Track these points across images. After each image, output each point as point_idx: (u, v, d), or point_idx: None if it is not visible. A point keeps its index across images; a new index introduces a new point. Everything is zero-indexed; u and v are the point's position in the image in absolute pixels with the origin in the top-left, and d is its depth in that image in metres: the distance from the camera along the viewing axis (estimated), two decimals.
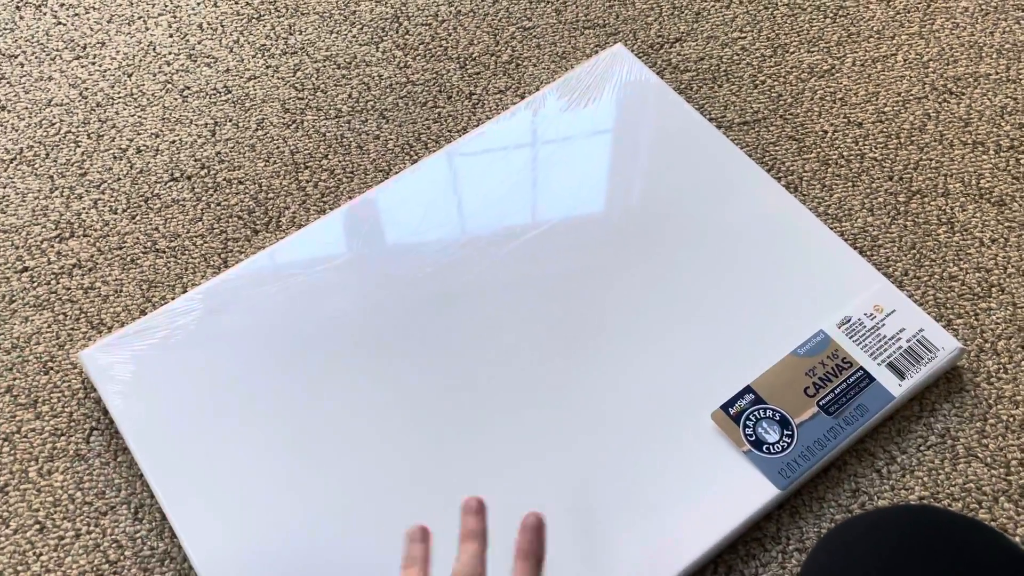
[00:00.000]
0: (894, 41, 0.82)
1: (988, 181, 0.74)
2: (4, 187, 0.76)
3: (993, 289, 0.69)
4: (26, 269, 0.72)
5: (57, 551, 0.61)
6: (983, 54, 0.81)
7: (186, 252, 0.73)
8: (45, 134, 0.78)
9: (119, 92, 0.81)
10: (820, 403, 0.62)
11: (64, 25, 0.85)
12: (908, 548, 0.48)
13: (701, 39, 0.83)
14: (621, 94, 0.77)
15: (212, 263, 0.72)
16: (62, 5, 0.86)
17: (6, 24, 0.85)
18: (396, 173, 0.76)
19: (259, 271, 0.69)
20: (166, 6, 0.86)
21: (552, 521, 0.59)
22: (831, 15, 0.84)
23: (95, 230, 0.74)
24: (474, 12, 0.85)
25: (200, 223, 0.74)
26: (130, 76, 0.82)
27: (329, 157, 0.77)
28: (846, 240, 0.71)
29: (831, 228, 0.71)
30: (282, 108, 0.80)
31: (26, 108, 0.80)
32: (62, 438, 0.65)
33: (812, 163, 0.76)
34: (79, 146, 0.78)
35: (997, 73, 0.80)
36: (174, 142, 0.78)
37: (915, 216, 0.73)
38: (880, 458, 0.63)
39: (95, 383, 0.64)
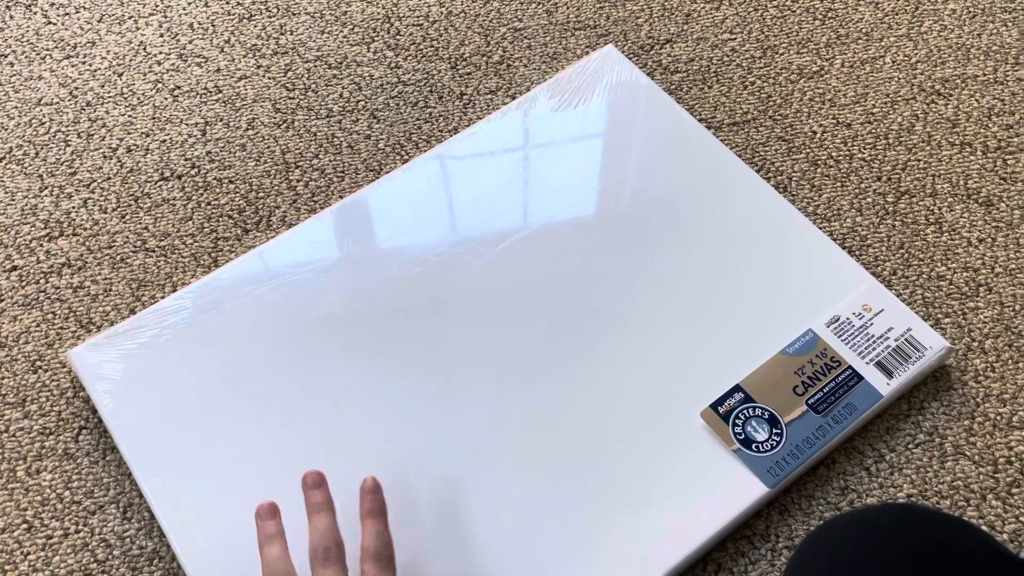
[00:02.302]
0: (882, 43, 0.82)
1: (976, 182, 0.75)
2: None
3: (980, 288, 0.70)
4: (15, 268, 0.71)
5: (45, 550, 0.61)
6: (971, 56, 0.81)
7: (176, 251, 0.73)
8: (35, 133, 0.78)
9: (109, 91, 0.81)
10: (809, 402, 0.62)
11: (54, 24, 0.84)
12: (894, 547, 0.48)
13: (691, 40, 0.83)
14: (611, 95, 0.77)
15: (202, 262, 0.72)
16: (52, 4, 0.86)
17: None
18: (387, 173, 0.76)
19: (249, 270, 0.69)
20: (157, 6, 0.86)
21: (540, 519, 0.59)
22: (820, 17, 0.84)
23: (85, 229, 0.74)
24: (465, 13, 0.85)
25: (190, 222, 0.74)
26: (120, 76, 0.82)
27: (320, 157, 0.77)
28: (835, 240, 0.71)
29: (820, 228, 0.72)
30: (273, 108, 0.80)
31: (16, 107, 0.80)
32: (51, 437, 0.65)
33: (801, 163, 0.76)
34: (69, 145, 0.78)
35: (984, 75, 0.80)
36: (164, 141, 0.78)
37: (903, 216, 0.73)
38: (869, 456, 0.63)
39: (84, 382, 0.64)
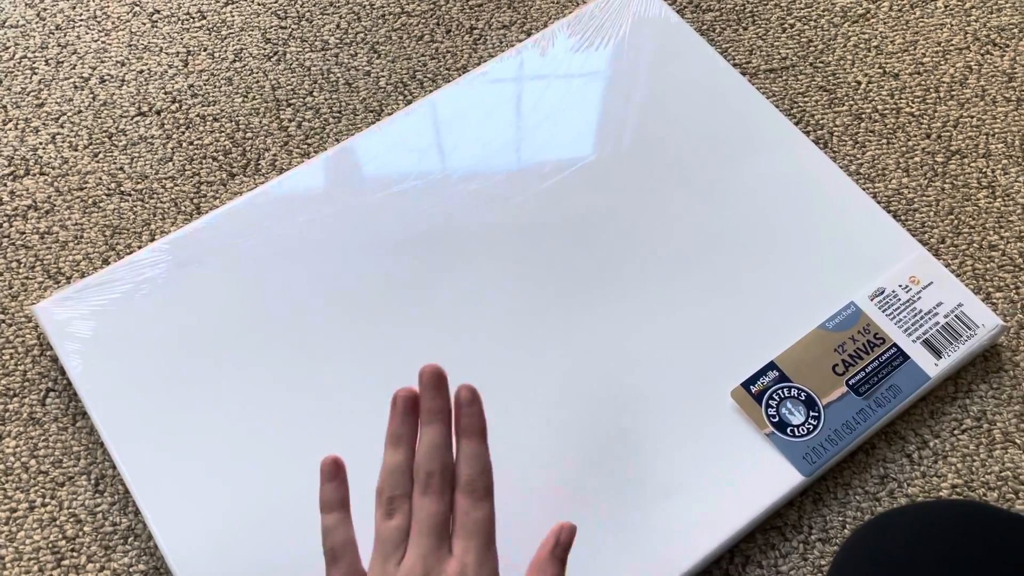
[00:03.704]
0: None
1: None
2: None
3: None
4: None
5: (9, 525, 0.55)
6: None
7: (154, 195, 0.66)
8: None
9: (81, 14, 0.73)
10: (849, 382, 0.57)
11: None
12: (951, 552, 0.44)
13: None
14: (637, 34, 0.70)
15: (183, 209, 0.65)
16: None
17: None
18: (388, 114, 0.69)
19: (235, 219, 0.63)
20: None
21: (555, 509, 0.54)
22: None
23: (53, 168, 0.66)
24: None
25: (170, 164, 0.67)
26: None
27: (314, 94, 0.70)
28: (879, 202, 0.65)
29: (863, 189, 0.65)
30: (262, 37, 0.72)
31: None
32: (14, 399, 0.59)
33: (844, 117, 0.69)
34: (35, 73, 0.70)
35: None
36: (142, 72, 0.70)
37: (954, 178, 0.67)
38: (911, 442, 0.58)
39: (51, 341, 0.58)
